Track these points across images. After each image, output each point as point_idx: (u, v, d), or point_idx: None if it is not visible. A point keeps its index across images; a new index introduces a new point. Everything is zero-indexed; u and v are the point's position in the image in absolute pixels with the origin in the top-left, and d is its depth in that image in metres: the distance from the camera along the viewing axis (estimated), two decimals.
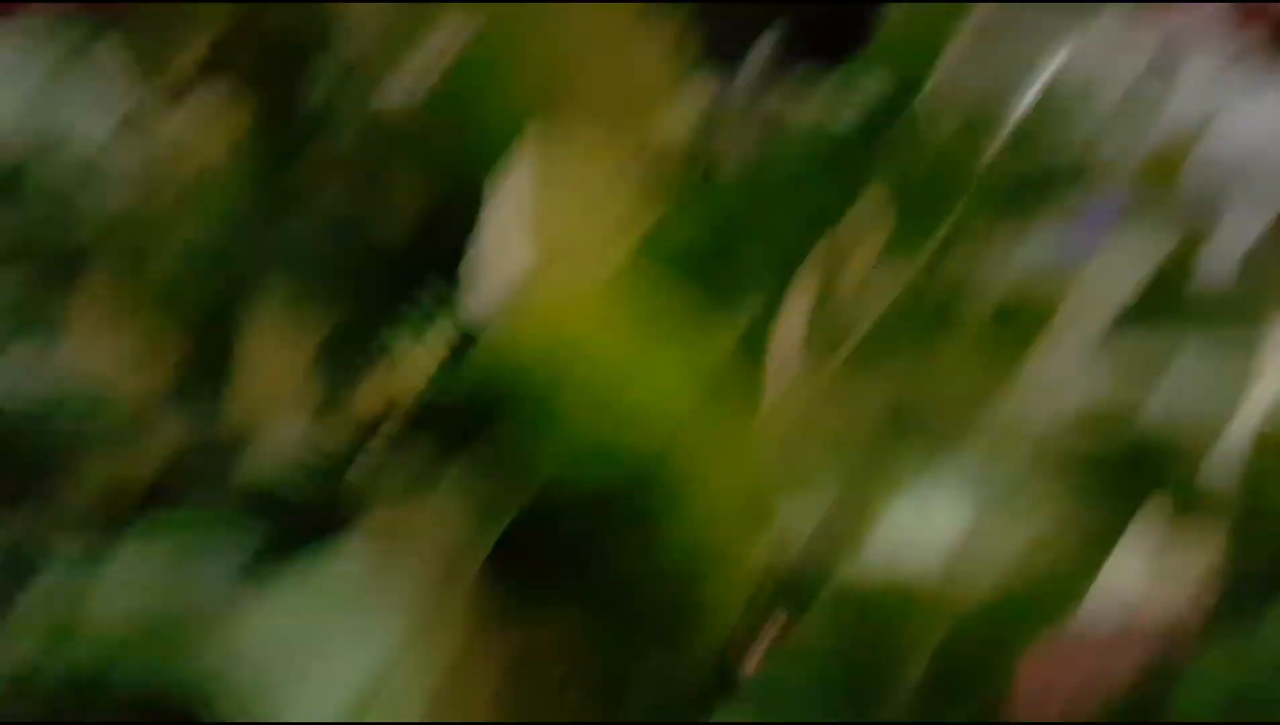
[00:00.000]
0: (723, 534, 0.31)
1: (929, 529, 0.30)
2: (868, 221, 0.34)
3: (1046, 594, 0.29)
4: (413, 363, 0.34)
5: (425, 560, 0.30)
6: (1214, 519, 0.30)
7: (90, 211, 0.35)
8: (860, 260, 0.35)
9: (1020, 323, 0.30)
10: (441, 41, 0.34)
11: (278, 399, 0.34)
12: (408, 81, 0.35)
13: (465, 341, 0.32)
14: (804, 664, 0.30)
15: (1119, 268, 0.30)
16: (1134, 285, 0.30)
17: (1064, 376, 0.30)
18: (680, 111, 0.35)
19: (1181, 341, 0.30)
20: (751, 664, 0.31)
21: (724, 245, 0.36)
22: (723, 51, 0.37)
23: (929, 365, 0.32)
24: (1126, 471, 0.29)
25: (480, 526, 0.31)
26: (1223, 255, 0.31)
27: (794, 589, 0.31)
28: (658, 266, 0.35)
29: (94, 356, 0.34)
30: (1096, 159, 0.30)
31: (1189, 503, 0.29)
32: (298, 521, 0.32)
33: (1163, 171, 0.29)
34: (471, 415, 0.33)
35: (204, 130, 0.35)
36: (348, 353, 0.34)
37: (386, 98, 0.35)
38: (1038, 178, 0.30)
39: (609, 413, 0.31)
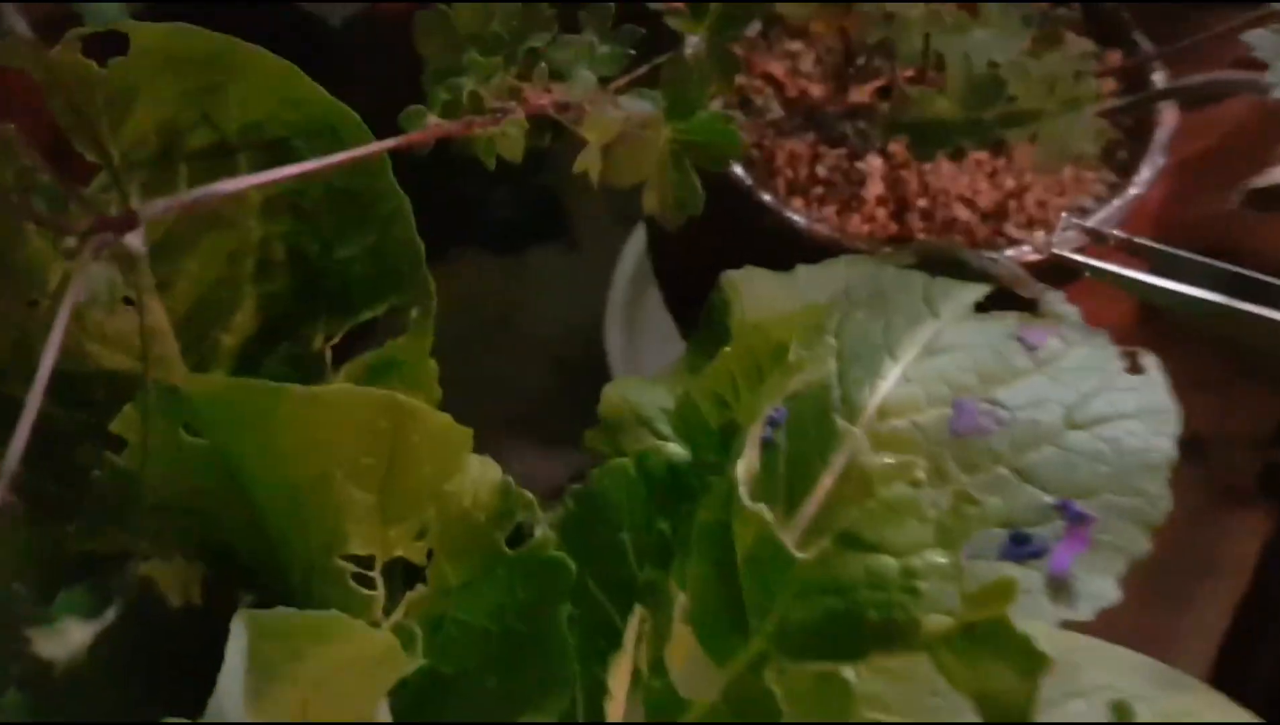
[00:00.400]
0: None
1: None
2: (678, 603, 0.31)
3: None
4: None
5: None
6: None
7: None
8: (678, 644, 0.31)
9: None
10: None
11: None
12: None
13: None
14: None
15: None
16: None
17: None
18: (478, 480, 0.32)
19: None
20: None
21: (534, 618, 0.32)
22: None
23: None
24: None
25: None
26: None
27: None
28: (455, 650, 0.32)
29: None
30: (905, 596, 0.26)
31: None
32: None
33: (988, 603, 0.26)
34: None
35: None
36: None
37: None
38: (840, 620, 0.27)
39: None
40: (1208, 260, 0.45)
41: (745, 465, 0.29)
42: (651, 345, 0.74)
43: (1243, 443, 0.67)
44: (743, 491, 0.29)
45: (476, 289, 0.78)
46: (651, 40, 0.39)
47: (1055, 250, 0.44)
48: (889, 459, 0.27)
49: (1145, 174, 0.51)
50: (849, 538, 0.27)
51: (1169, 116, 0.52)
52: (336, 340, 0.35)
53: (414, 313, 0.34)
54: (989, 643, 0.25)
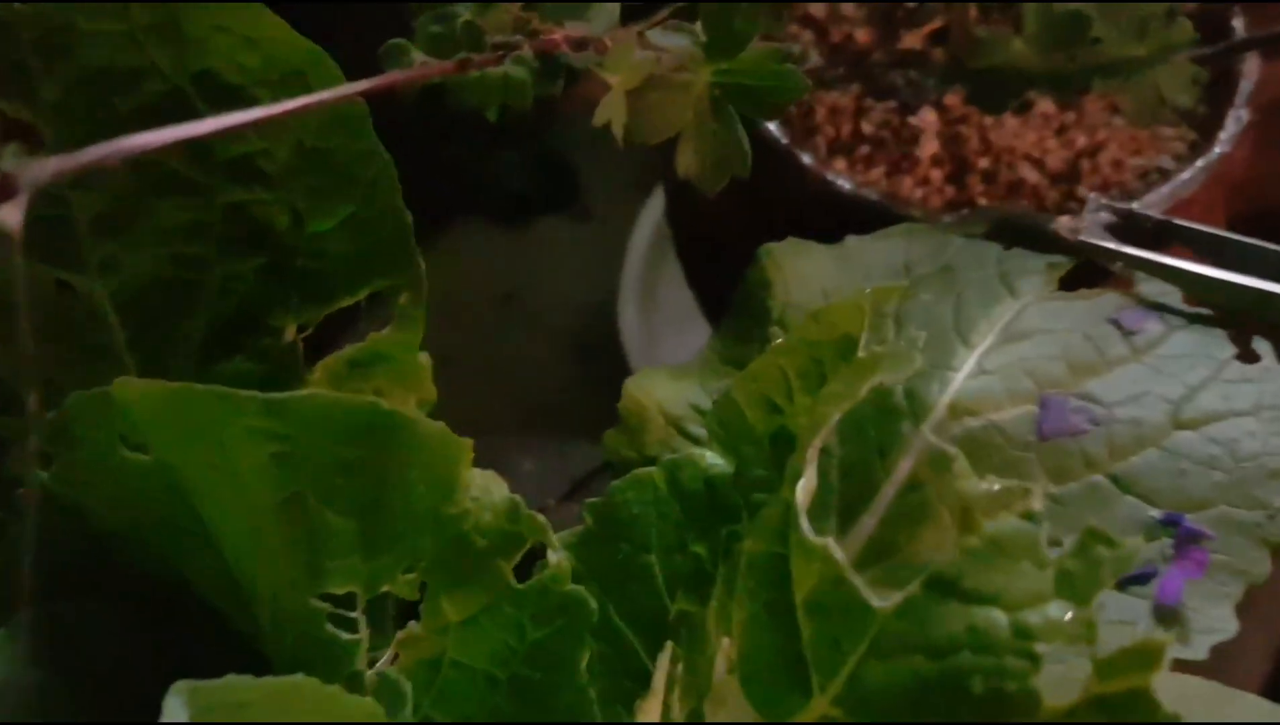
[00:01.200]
0: None
1: None
2: (722, 650, 0.26)
3: None
4: None
5: None
6: None
7: None
8: (722, 700, 0.26)
9: None
10: None
11: None
12: None
13: None
14: None
15: None
16: None
17: None
18: (480, 499, 0.26)
19: None
20: None
21: (548, 664, 0.27)
22: None
23: None
24: None
25: None
26: None
27: None
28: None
29: None
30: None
31: None
32: None
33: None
34: None
35: None
36: None
37: None
38: (933, 688, 0.21)
39: None
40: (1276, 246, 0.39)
41: (805, 487, 0.24)
42: (670, 323, 0.68)
43: None
44: (803, 521, 0.23)
45: (479, 264, 0.73)
46: None
47: (1084, 237, 0.38)
48: (996, 484, 0.21)
49: (1229, 130, 0.45)
50: (943, 583, 0.21)
51: (1252, 67, 0.47)
52: (311, 330, 0.29)
53: (402, 299, 0.28)
54: (1127, 720, 0.20)
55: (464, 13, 0.25)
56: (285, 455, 0.24)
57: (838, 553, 0.23)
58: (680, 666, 0.29)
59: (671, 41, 0.25)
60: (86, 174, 0.28)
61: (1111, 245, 0.36)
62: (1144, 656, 0.20)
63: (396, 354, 0.28)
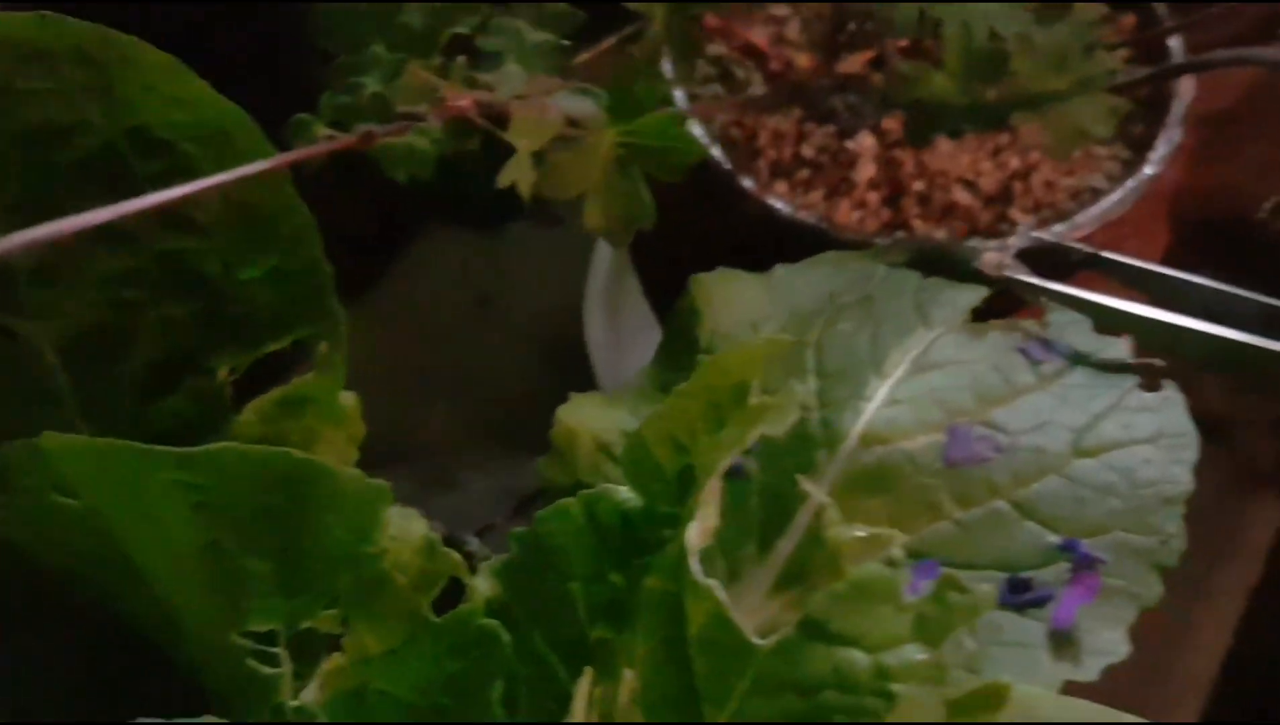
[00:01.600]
0: None
1: None
2: (625, 682, 0.27)
3: None
4: None
5: None
6: None
7: None
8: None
9: None
10: None
11: None
12: None
13: None
14: None
15: None
16: None
17: None
18: (399, 538, 0.28)
19: None
20: None
21: (463, 694, 0.29)
22: None
23: None
24: None
25: None
26: None
27: None
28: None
29: None
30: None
31: None
32: None
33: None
34: None
35: None
36: None
37: None
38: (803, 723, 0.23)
39: None
40: (1199, 280, 0.39)
41: (698, 530, 0.25)
42: (634, 325, 0.70)
43: (1263, 427, 0.63)
44: (693, 563, 0.25)
45: (454, 267, 0.74)
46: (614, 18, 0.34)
47: (1008, 272, 0.39)
48: (860, 532, 0.23)
49: (1161, 151, 0.46)
50: (814, 626, 0.23)
51: (1186, 87, 0.48)
52: (239, 375, 0.31)
53: (321, 347, 0.29)
54: None
55: (370, 84, 0.26)
56: (204, 505, 0.25)
57: (722, 595, 0.24)
58: (598, 691, 0.30)
59: (577, 105, 0.26)
60: None
61: (1031, 279, 0.37)
62: (990, 696, 0.21)
63: (321, 396, 0.30)
